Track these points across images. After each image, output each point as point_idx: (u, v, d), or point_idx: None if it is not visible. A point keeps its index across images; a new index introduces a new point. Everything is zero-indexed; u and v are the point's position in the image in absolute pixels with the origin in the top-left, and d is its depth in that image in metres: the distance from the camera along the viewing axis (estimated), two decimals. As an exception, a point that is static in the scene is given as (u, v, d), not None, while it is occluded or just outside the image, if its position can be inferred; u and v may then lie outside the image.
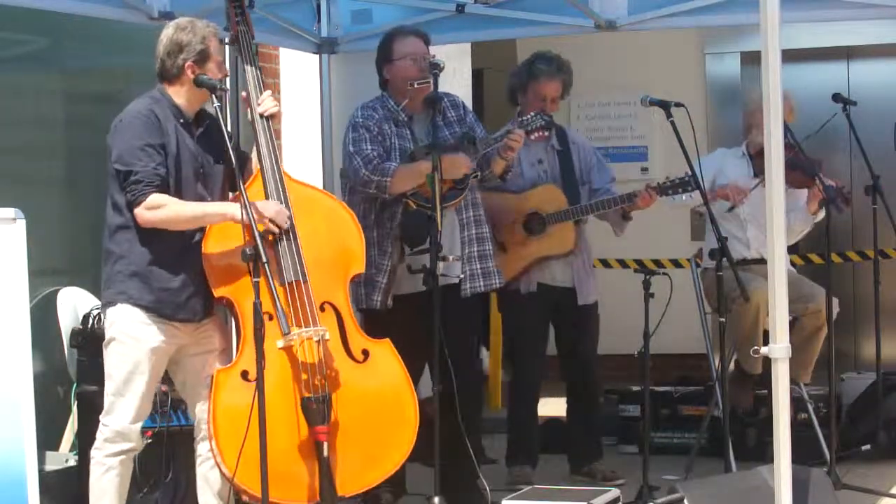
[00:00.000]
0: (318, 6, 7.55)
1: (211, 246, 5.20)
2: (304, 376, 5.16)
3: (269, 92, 5.44)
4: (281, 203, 5.25)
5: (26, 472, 5.22)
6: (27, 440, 5.24)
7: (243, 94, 5.44)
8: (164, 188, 5.07)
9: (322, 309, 5.28)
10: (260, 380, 4.86)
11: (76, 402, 6.10)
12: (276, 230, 5.17)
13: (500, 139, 6.24)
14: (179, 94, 5.22)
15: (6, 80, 6.88)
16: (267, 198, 5.26)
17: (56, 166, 7.10)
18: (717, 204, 6.94)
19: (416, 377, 6.21)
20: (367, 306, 6.22)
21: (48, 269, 6.46)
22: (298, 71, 8.46)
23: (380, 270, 6.17)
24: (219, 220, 5.14)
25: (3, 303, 5.24)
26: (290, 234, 5.24)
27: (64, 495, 5.87)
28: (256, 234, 4.90)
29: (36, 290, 6.03)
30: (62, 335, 6.28)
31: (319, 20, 7.57)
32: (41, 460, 5.74)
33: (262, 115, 5.36)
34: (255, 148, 5.39)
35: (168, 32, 5.23)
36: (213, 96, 5.13)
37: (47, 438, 5.95)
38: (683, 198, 6.85)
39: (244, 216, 4.94)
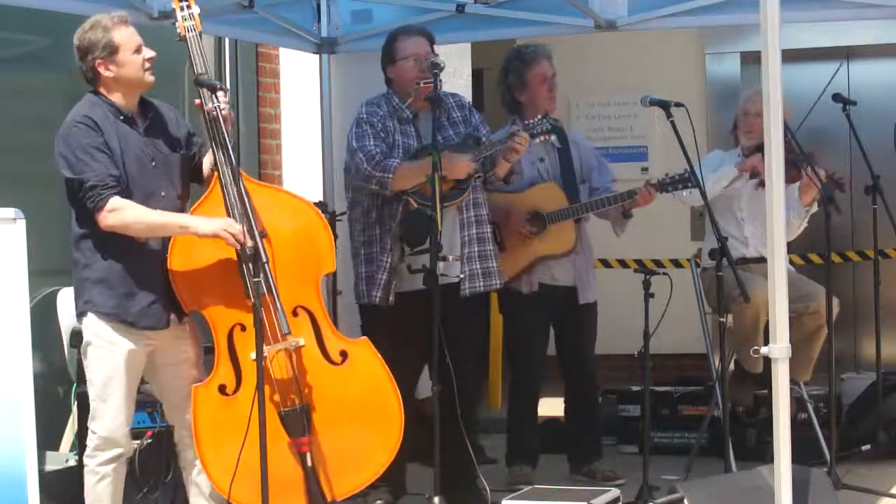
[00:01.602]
0: (318, 6, 7.55)
1: (177, 262, 5.12)
2: (280, 389, 5.11)
3: (221, 93, 5.15)
4: (243, 209, 5.00)
5: (26, 472, 5.22)
6: (27, 440, 5.23)
7: (196, 101, 5.19)
8: (121, 189, 5.00)
9: (295, 314, 5.19)
10: (260, 383, 4.84)
11: (76, 402, 6.09)
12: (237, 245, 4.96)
13: (504, 141, 6.23)
14: (111, 93, 5.12)
15: (6, 80, 6.88)
16: (226, 202, 5.08)
17: (56, 166, 7.08)
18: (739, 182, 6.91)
19: (416, 375, 6.22)
20: (368, 302, 6.22)
21: (48, 269, 6.45)
22: (298, 71, 8.47)
23: (380, 267, 6.17)
24: (179, 231, 5.07)
25: (3, 303, 5.23)
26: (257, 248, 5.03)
27: (64, 495, 5.86)
28: (256, 234, 4.88)
29: (36, 290, 6.02)
30: (62, 335, 6.28)
31: (319, 20, 7.58)
32: (41, 460, 5.74)
33: (209, 116, 5.10)
34: (210, 152, 5.19)
35: (75, 39, 5.12)
36: (214, 96, 5.09)
37: (47, 438, 5.95)
38: (684, 193, 6.84)
39: (244, 222, 4.88)
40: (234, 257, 5.02)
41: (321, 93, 7.70)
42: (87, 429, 5.58)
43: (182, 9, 5.22)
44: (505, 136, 6.28)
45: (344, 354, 5.27)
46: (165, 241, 5.14)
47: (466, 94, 9.06)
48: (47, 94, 7.17)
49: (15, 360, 5.22)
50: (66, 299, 6.35)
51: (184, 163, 5.26)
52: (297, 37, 7.52)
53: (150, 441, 5.80)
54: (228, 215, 5.05)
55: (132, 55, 5.08)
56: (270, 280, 4.98)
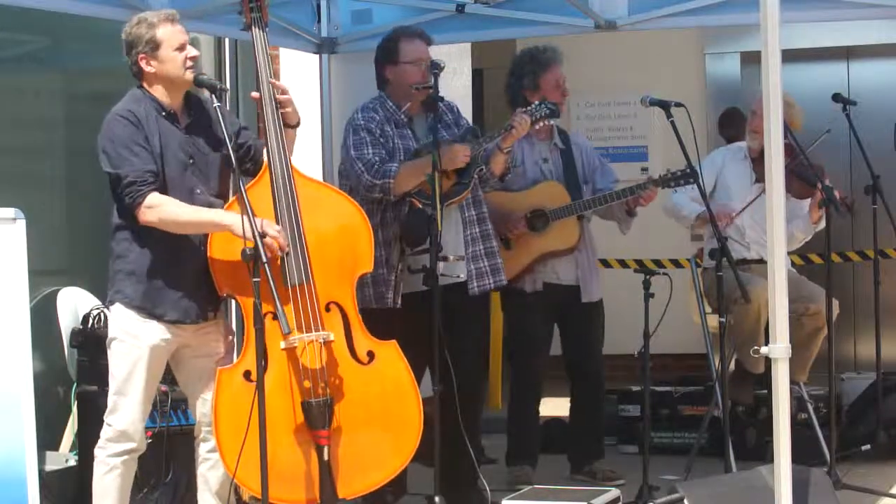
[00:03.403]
0: (318, 6, 7.54)
1: (216, 251, 5.16)
2: (306, 379, 5.14)
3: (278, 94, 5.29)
4: (289, 201, 5.16)
5: (26, 472, 5.23)
6: (27, 440, 5.25)
7: (254, 94, 5.32)
8: (159, 185, 5.04)
9: (328, 309, 5.23)
10: (260, 379, 4.85)
11: (76, 402, 6.10)
12: (279, 253, 5.06)
13: (503, 130, 6.22)
14: (155, 89, 5.16)
15: (6, 80, 6.89)
16: (273, 195, 5.17)
17: (56, 166, 7.10)
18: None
19: (418, 375, 6.21)
20: (380, 305, 6.14)
21: (48, 269, 6.46)
22: (298, 71, 8.46)
23: (390, 269, 6.15)
24: (217, 230, 5.09)
25: (3, 303, 5.24)
26: (297, 237, 5.18)
27: (64, 495, 5.88)
28: (257, 234, 4.88)
29: (36, 290, 6.03)
30: (62, 335, 6.29)
31: (319, 20, 7.57)
32: (41, 460, 5.74)
33: (272, 103, 5.22)
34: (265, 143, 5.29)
35: (122, 34, 5.16)
36: (213, 96, 5.10)
37: (47, 438, 5.95)
38: (684, 191, 6.81)
39: (243, 222, 4.87)
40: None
41: (321, 93, 7.69)
42: (87, 428, 5.60)
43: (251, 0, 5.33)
44: (503, 127, 6.27)
45: (371, 355, 5.30)
46: (203, 236, 5.17)
47: (466, 94, 9.08)
48: (47, 94, 7.18)
49: (15, 360, 5.23)
50: (66, 299, 6.37)
51: (227, 162, 5.24)
52: (297, 37, 7.51)
53: (150, 441, 5.80)
54: (276, 217, 5.14)
55: (174, 52, 5.12)
56: (303, 273, 5.10)
